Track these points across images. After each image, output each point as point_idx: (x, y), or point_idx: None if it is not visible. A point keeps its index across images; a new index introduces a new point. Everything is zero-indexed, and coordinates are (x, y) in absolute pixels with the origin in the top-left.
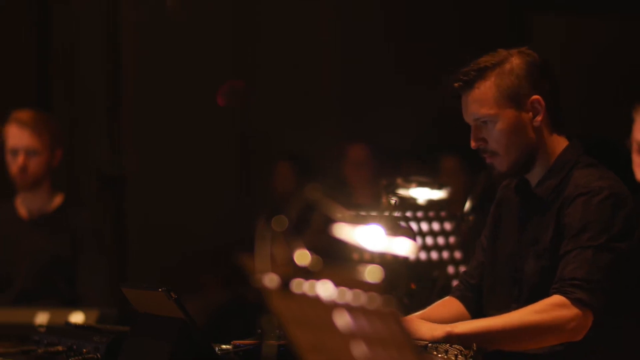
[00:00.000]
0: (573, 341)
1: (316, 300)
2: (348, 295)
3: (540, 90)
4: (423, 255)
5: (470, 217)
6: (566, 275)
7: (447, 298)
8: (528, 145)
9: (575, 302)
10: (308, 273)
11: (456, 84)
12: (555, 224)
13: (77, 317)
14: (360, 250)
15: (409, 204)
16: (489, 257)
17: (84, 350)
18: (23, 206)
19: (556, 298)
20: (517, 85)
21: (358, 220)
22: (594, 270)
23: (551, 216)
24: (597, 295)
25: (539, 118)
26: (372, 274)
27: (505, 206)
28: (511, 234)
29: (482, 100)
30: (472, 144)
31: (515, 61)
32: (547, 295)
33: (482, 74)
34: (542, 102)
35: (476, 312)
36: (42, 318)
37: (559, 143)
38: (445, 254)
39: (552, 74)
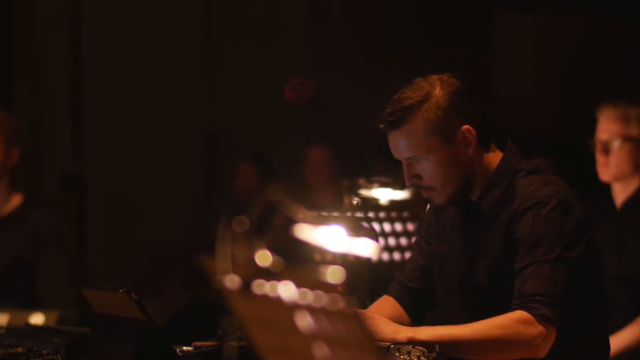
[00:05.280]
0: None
1: (278, 301)
2: (310, 297)
3: (469, 118)
4: (385, 256)
5: None
6: (527, 291)
7: (385, 297)
8: (464, 175)
9: (540, 318)
10: (269, 274)
11: (382, 126)
12: (504, 238)
13: (37, 319)
14: (322, 251)
15: (371, 204)
16: (438, 267)
17: (44, 351)
18: None
19: (520, 314)
20: (444, 119)
21: (320, 221)
22: (554, 285)
23: (499, 229)
24: (559, 311)
25: (470, 149)
26: (333, 275)
27: (444, 215)
28: (456, 246)
29: (411, 139)
30: (407, 182)
31: (438, 94)
32: (504, 307)
33: (407, 112)
34: (473, 132)
35: (413, 315)
36: (1, 319)
37: (495, 158)
38: (407, 255)
39: (479, 97)
